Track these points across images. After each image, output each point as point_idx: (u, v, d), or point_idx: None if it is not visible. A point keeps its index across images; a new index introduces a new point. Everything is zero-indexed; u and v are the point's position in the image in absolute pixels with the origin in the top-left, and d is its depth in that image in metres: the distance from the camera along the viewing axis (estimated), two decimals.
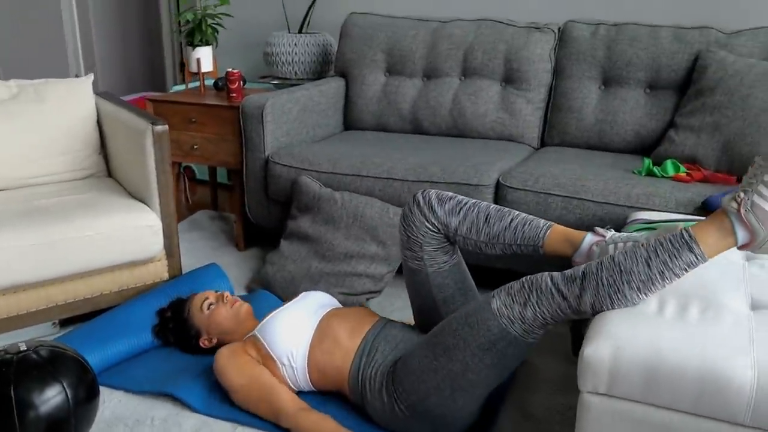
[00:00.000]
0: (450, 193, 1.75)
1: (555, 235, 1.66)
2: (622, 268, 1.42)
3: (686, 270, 1.41)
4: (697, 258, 1.40)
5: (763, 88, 2.21)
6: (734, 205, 1.40)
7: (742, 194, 1.40)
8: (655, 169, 2.27)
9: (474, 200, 1.74)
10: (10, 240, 2.01)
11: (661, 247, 1.41)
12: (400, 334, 1.80)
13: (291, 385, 1.82)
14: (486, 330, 1.52)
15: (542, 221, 1.69)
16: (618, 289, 1.42)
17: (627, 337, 1.32)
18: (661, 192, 2.11)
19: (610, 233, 1.66)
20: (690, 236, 1.40)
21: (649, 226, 1.87)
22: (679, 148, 2.34)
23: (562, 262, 2.00)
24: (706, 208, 2.01)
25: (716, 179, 2.20)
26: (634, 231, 1.87)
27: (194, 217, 3.32)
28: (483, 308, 1.53)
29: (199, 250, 2.93)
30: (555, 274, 1.49)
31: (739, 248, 1.42)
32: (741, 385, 1.22)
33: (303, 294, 1.99)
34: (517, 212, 1.71)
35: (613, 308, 1.44)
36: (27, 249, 2.03)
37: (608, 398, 1.33)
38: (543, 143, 2.83)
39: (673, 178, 2.23)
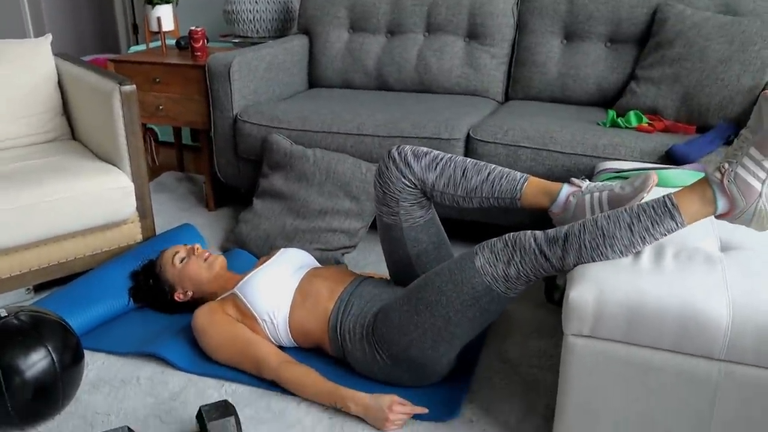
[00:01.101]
0: (425, 149, 1.74)
1: (532, 187, 1.67)
2: (605, 233, 1.44)
3: (665, 235, 1.44)
4: (677, 225, 1.42)
5: (720, 40, 2.24)
6: (718, 175, 1.42)
7: (726, 165, 1.42)
8: (619, 120, 2.30)
9: (449, 155, 1.74)
10: None
11: (644, 213, 1.43)
12: (375, 289, 1.80)
13: (272, 340, 1.82)
14: (470, 288, 1.53)
15: (519, 174, 1.70)
16: (601, 252, 1.44)
17: (609, 282, 1.35)
18: (626, 142, 2.14)
19: (586, 183, 1.68)
20: (673, 204, 1.42)
21: (619, 174, 1.90)
22: (641, 99, 2.37)
23: (535, 214, 2.03)
24: (669, 157, 2.05)
25: (677, 129, 2.24)
26: (606, 180, 1.90)
27: (160, 179, 3.25)
28: (467, 266, 1.54)
29: (169, 212, 2.87)
30: (538, 233, 1.50)
31: (717, 217, 1.45)
32: (718, 323, 1.26)
33: (281, 251, 1.97)
34: (494, 165, 1.72)
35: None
36: None
37: (592, 340, 1.36)
38: (507, 97, 2.83)
39: (636, 129, 2.26)
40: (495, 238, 1.55)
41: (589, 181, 1.73)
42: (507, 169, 1.71)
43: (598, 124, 2.33)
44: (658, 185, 1.84)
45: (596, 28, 2.61)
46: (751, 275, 1.35)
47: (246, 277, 1.84)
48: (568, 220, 1.67)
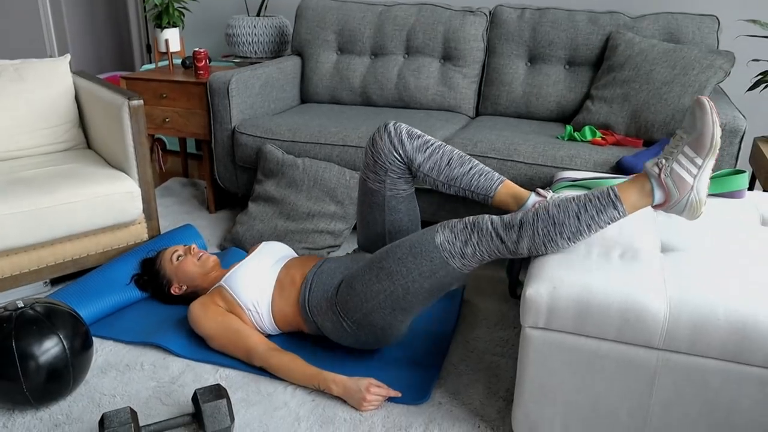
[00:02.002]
0: (419, 131, 1.72)
1: (505, 189, 1.67)
2: (556, 221, 1.44)
3: (609, 223, 1.45)
4: (619, 214, 1.43)
5: (664, 65, 2.25)
6: (656, 169, 1.44)
7: (663, 161, 1.44)
8: (576, 135, 2.30)
9: (440, 142, 1.72)
10: (3, 208, 1.91)
11: (590, 203, 1.44)
12: (334, 264, 1.78)
13: (259, 329, 1.81)
14: (429, 261, 1.52)
15: (497, 175, 1.69)
16: (551, 238, 1.45)
17: (562, 279, 1.35)
18: (581, 154, 2.14)
19: (550, 194, 1.68)
20: (616, 195, 1.43)
21: (574, 184, 1.90)
22: (595, 116, 2.38)
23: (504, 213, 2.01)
24: (619, 168, 2.06)
25: (626, 142, 2.25)
26: (562, 188, 1.90)
27: (167, 184, 3.22)
28: (427, 241, 1.53)
29: (174, 214, 2.85)
30: (495, 218, 1.50)
31: (654, 207, 1.47)
32: (656, 315, 1.26)
33: (263, 244, 1.96)
34: (477, 162, 1.71)
35: (546, 253, 1.47)
36: (17, 216, 1.93)
37: (546, 331, 1.36)
38: (478, 113, 2.83)
39: (591, 142, 2.27)
40: (456, 219, 1.55)
41: (552, 192, 1.73)
42: (488, 169, 1.70)
43: (557, 137, 2.33)
44: None
45: (556, 53, 2.61)
46: (687, 274, 1.36)
47: (231, 271, 1.83)
48: None
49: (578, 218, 1.43)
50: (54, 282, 2.23)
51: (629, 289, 1.30)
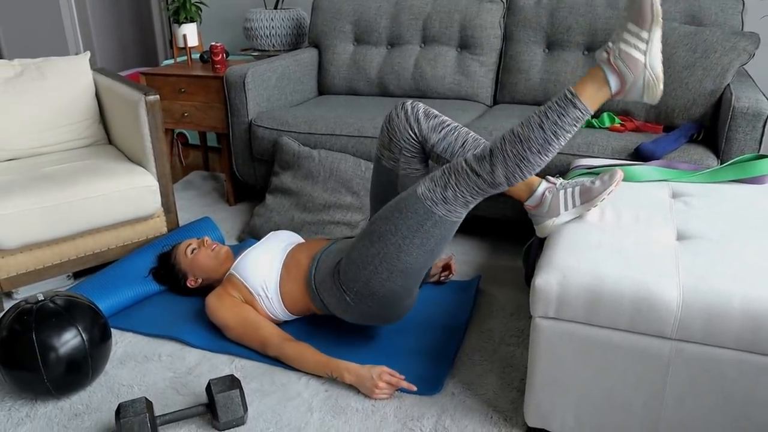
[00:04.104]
0: (436, 111, 1.69)
1: None
2: (522, 138, 1.40)
3: (575, 125, 1.40)
4: (581, 112, 1.38)
5: (685, 48, 2.19)
6: (605, 55, 1.39)
7: (610, 44, 1.38)
8: (594, 121, 2.25)
9: (457, 124, 1.69)
10: (25, 204, 1.95)
11: (549, 110, 1.39)
12: (343, 245, 1.78)
13: (271, 316, 1.82)
14: (413, 213, 1.50)
15: None
16: (523, 157, 1.40)
17: (572, 267, 1.32)
18: (599, 141, 2.10)
19: (560, 181, 1.66)
20: (572, 93, 1.38)
21: (590, 171, 1.86)
22: (614, 102, 2.32)
23: (518, 204, 1.99)
24: (638, 154, 2.01)
25: (646, 128, 2.20)
26: (578, 175, 1.86)
27: (188, 178, 3.25)
28: (410, 195, 1.51)
29: (194, 207, 2.88)
30: (468, 156, 1.47)
31: (614, 96, 1.42)
32: (668, 305, 1.23)
33: (271, 233, 1.97)
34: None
35: (523, 175, 1.43)
36: (40, 211, 1.97)
37: (557, 321, 1.34)
38: (496, 101, 2.79)
39: (609, 129, 2.22)
40: (437, 170, 1.52)
41: (563, 179, 1.70)
42: None
43: None
44: (625, 180, 1.81)
45: (575, 38, 2.56)
46: (702, 262, 1.32)
47: (239, 258, 1.85)
48: (542, 214, 1.64)
49: (542, 128, 1.39)
50: (77, 275, 2.27)
51: (641, 277, 1.27)
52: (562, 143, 1.42)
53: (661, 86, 1.40)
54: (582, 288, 1.29)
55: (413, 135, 1.67)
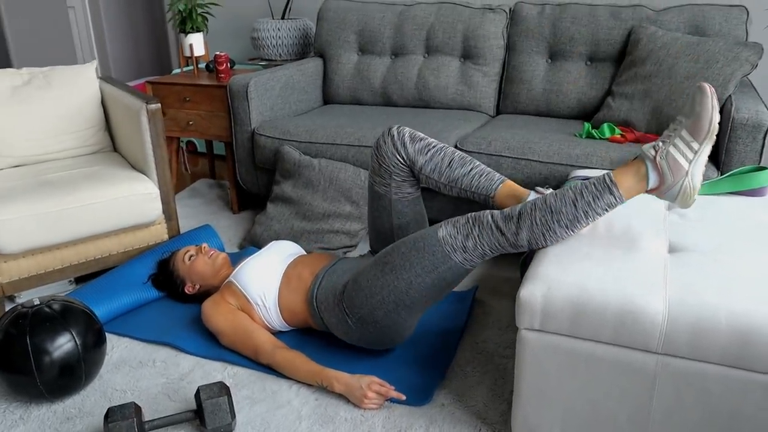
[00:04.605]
0: (422, 135, 1.72)
1: (505, 189, 1.65)
2: (553, 209, 1.42)
3: (607, 210, 1.42)
4: (616, 199, 1.40)
5: (687, 58, 2.17)
6: (652, 152, 1.41)
7: (660, 144, 1.41)
8: (594, 132, 2.24)
9: (442, 144, 1.71)
10: (27, 209, 1.98)
11: (585, 190, 1.41)
12: (348, 265, 1.79)
13: (267, 325, 1.83)
14: (431, 255, 1.51)
15: (497, 175, 1.68)
16: (549, 227, 1.42)
17: (557, 279, 1.31)
18: (598, 152, 2.09)
19: (548, 191, 1.65)
20: (611, 180, 1.41)
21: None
22: (615, 113, 2.31)
23: None
24: None
25: (646, 139, 2.18)
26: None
27: (195, 185, 3.28)
28: (430, 236, 1.52)
29: (199, 214, 2.90)
30: (495, 212, 1.49)
31: (648, 191, 1.43)
32: (653, 318, 1.22)
33: (272, 243, 1.98)
34: (478, 163, 1.70)
35: (546, 244, 1.45)
36: (42, 217, 2.00)
37: (542, 333, 1.33)
38: (498, 111, 2.79)
39: (609, 140, 2.21)
40: (460, 216, 1.54)
41: (552, 189, 1.70)
42: (489, 169, 1.69)
43: (575, 135, 2.27)
44: None
45: (577, 49, 2.55)
46: (691, 275, 1.30)
47: (239, 266, 1.85)
48: None
49: (575, 205, 1.41)
50: (78, 280, 2.30)
51: (627, 290, 1.26)
52: (590, 222, 1.44)
53: (696, 196, 1.43)
54: (566, 300, 1.28)
55: (401, 159, 1.70)
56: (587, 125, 2.27)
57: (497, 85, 2.75)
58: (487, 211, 1.50)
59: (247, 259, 1.87)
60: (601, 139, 2.22)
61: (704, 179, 1.81)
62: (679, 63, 2.18)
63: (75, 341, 1.62)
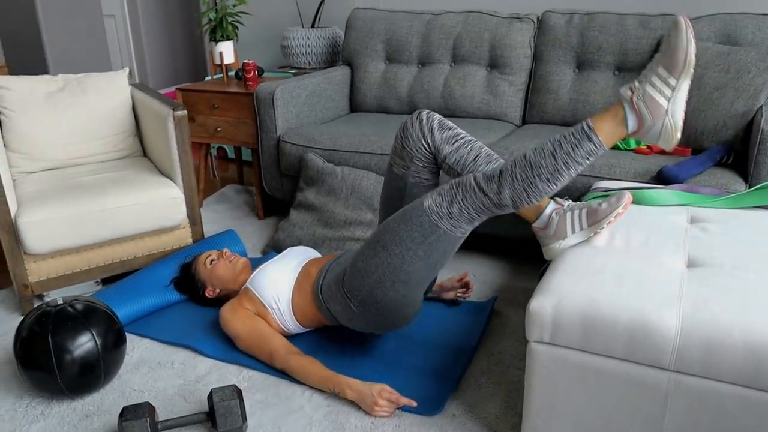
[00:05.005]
0: (452, 124, 1.69)
1: None
2: (533, 164, 1.39)
3: (588, 158, 1.38)
4: (596, 147, 1.36)
5: (716, 68, 2.12)
6: (629, 93, 1.37)
7: (637, 84, 1.37)
8: (619, 143, 2.20)
9: (471, 137, 1.68)
10: (56, 212, 2.04)
11: (564, 140, 1.38)
12: (351, 253, 1.80)
13: (283, 328, 1.84)
14: (419, 226, 1.50)
15: None
16: (530, 182, 1.39)
17: (568, 291, 1.29)
18: (621, 163, 2.05)
19: (567, 203, 1.63)
20: (590, 127, 1.37)
21: (606, 193, 1.82)
22: None
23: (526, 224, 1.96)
24: (660, 177, 1.95)
25: (673, 151, 2.13)
26: (592, 198, 1.83)
27: (223, 190, 3.33)
28: (416, 207, 1.51)
29: (225, 219, 2.94)
30: (478, 174, 1.47)
31: (629, 135, 1.40)
32: (666, 334, 1.19)
33: (288, 249, 2.00)
34: (503, 162, 1.66)
35: (530, 201, 1.42)
36: (70, 219, 2.06)
37: (552, 346, 1.31)
38: (524, 121, 2.76)
39: (634, 151, 2.17)
40: (444, 184, 1.52)
41: (572, 201, 1.67)
42: None
43: None
44: (643, 204, 1.76)
45: (605, 58, 2.51)
46: (709, 290, 1.27)
47: (255, 272, 1.88)
48: (549, 236, 1.62)
49: (554, 157, 1.37)
50: (105, 281, 2.35)
51: (639, 304, 1.23)
52: (573, 174, 1.41)
53: (679, 135, 1.38)
54: (576, 313, 1.26)
55: (426, 145, 1.67)
56: None
57: (523, 95, 2.73)
58: (471, 174, 1.48)
59: (263, 265, 1.89)
60: (626, 150, 2.18)
61: (731, 192, 1.77)
62: (709, 73, 2.13)
63: (95, 341, 1.66)
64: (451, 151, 1.65)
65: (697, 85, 2.13)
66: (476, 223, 1.51)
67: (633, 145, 2.18)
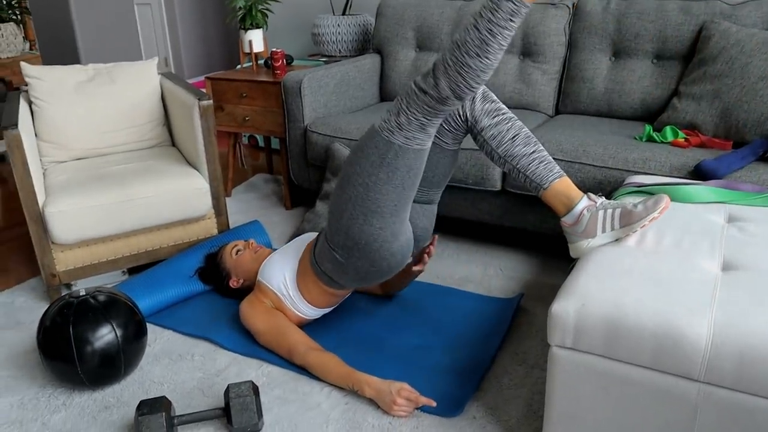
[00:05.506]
0: (495, 98, 1.63)
1: (559, 186, 1.58)
2: (458, 43, 1.34)
3: (511, 20, 1.30)
4: (514, 4, 1.28)
5: (762, 57, 1.99)
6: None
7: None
8: (655, 135, 2.10)
9: (513, 115, 1.62)
10: (82, 202, 2.05)
11: (483, 9, 1.32)
12: None
13: (299, 314, 1.82)
14: (374, 148, 1.47)
15: (558, 168, 1.60)
16: (462, 63, 1.34)
17: (593, 295, 1.23)
18: (657, 157, 1.95)
19: (601, 200, 1.55)
20: None
21: (640, 189, 1.74)
22: (681, 114, 2.16)
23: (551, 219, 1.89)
24: (698, 172, 1.85)
25: (713, 144, 2.02)
26: (626, 194, 1.74)
27: (252, 180, 3.33)
28: (369, 132, 1.51)
29: (252, 209, 2.93)
30: (417, 77, 1.43)
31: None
32: (696, 343, 1.12)
33: (297, 238, 1.97)
34: (542, 147, 1.61)
35: (471, 84, 1.36)
36: (95, 209, 2.07)
37: (574, 352, 1.24)
38: (558, 111, 2.67)
39: (671, 144, 2.06)
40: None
41: (606, 198, 1.61)
42: (550, 158, 1.61)
43: (635, 138, 2.14)
44: (678, 200, 1.67)
45: (643, 46, 2.40)
46: (745, 296, 1.19)
47: (263, 263, 1.89)
48: (578, 233, 1.55)
49: (477, 29, 1.31)
50: (131, 271, 2.37)
51: (668, 310, 1.16)
52: (502, 43, 1.33)
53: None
54: (600, 318, 1.19)
55: (461, 111, 1.61)
56: (648, 128, 2.13)
57: (557, 84, 2.63)
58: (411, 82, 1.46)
59: (269, 256, 1.88)
60: (662, 142, 2.08)
61: None
62: (754, 62, 2.00)
63: (115, 333, 1.66)
64: (489, 125, 1.59)
65: (741, 74, 2.01)
66: (430, 131, 1.47)
67: (670, 137, 2.07)
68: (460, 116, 1.62)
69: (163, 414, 1.46)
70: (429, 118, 1.44)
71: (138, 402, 1.66)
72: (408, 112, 1.43)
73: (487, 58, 1.33)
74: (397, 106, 1.46)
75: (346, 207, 1.55)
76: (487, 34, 1.31)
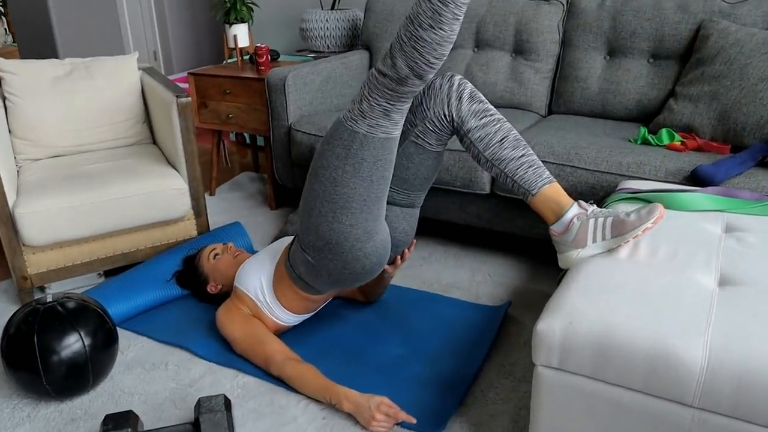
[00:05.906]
0: (483, 98, 1.55)
1: (549, 191, 1.50)
2: (411, 17, 1.29)
3: None
4: None
5: (762, 57, 1.92)
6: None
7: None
8: (650, 138, 2.02)
9: (502, 117, 1.54)
10: (54, 202, 1.97)
11: None
12: None
13: (276, 321, 1.75)
14: (339, 140, 1.42)
15: (548, 173, 1.52)
16: (416, 37, 1.28)
17: (580, 312, 1.15)
18: (652, 161, 1.87)
19: (592, 208, 1.48)
20: None
21: (633, 196, 1.66)
22: (677, 116, 2.08)
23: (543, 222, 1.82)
24: (694, 177, 1.77)
25: (710, 148, 1.94)
26: (618, 200, 1.67)
27: (237, 178, 3.24)
28: (334, 123, 1.46)
29: (236, 209, 2.85)
30: (378, 63, 1.37)
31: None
32: (691, 366, 1.04)
33: (276, 242, 1.89)
34: (531, 151, 1.53)
35: (427, 60, 1.30)
36: (69, 210, 1.98)
37: (560, 372, 1.17)
38: (550, 111, 2.59)
39: (667, 147, 1.98)
40: None
41: (597, 206, 1.54)
42: (540, 162, 1.53)
43: (629, 141, 2.06)
44: (673, 208, 1.59)
45: (639, 44, 2.32)
46: (743, 315, 1.11)
47: (239, 269, 1.81)
48: (567, 243, 1.47)
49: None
50: (107, 273, 2.28)
51: (661, 329, 1.08)
52: (456, 12, 1.26)
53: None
54: (588, 337, 1.12)
55: (447, 111, 1.53)
56: (643, 130, 2.05)
57: (550, 83, 2.55)
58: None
59: (247, 260, 1.80)
60: (658, 145, 2.00)
61: None
62: (753, 62, 1.93)
63: (83, 341, 1.58)
64: (476, 126, 1.52)
65: (740, 75, 1.93)
66: (396, 117, 1.40)
67: (666, 140, 2.00)
68: (445, 116, 1.54)
69: (129, 430, 1.38)
70: (392, 102, 1.37)
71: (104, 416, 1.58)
72: (370, 98, 1.37)
73: (441, 29, 1.26)
74: (360, 95, 1.40)
75: (315, 204, 1.48)
76: (439, 4, 1.25)
